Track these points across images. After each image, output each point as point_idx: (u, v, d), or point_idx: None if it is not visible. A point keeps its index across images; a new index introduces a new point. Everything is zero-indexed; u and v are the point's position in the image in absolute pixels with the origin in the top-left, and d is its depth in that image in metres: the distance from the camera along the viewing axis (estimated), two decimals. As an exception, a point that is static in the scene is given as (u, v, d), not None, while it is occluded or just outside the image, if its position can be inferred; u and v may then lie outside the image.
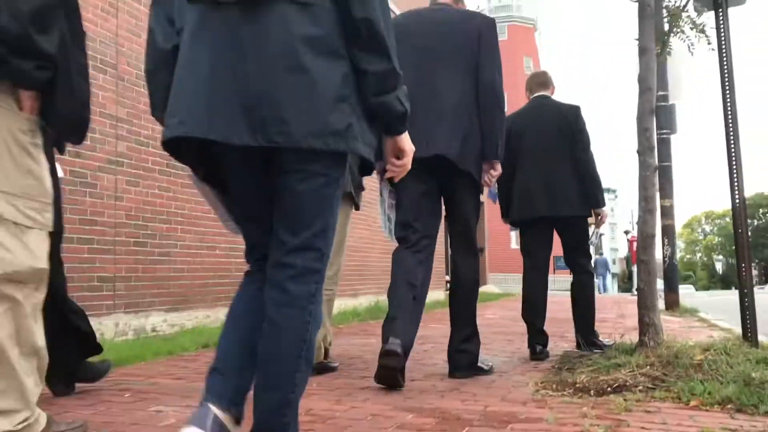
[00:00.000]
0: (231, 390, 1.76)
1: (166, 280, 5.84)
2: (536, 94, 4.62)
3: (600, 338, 4.56)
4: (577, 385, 3.19)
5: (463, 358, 3.62)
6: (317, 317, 1.77)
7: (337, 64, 1.67)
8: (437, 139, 3.23)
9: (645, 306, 3.84)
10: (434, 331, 6.16)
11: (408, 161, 1.92)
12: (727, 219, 64.75)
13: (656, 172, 3.94)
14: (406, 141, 1.89)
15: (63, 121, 1.91)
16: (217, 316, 6.49)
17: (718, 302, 15.86)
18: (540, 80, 4.65)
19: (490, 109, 3.43)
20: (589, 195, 4.40)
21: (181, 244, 6.10)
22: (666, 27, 4.44)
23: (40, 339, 1.94)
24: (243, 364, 1.79)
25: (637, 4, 3.99)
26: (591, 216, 4.52)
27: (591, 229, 4.66)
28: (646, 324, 3.80)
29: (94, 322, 4.98)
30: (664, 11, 4.58)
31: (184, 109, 1.66)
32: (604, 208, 4.54)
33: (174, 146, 1.73)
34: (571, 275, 4.58)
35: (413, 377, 3.60)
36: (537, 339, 4.41)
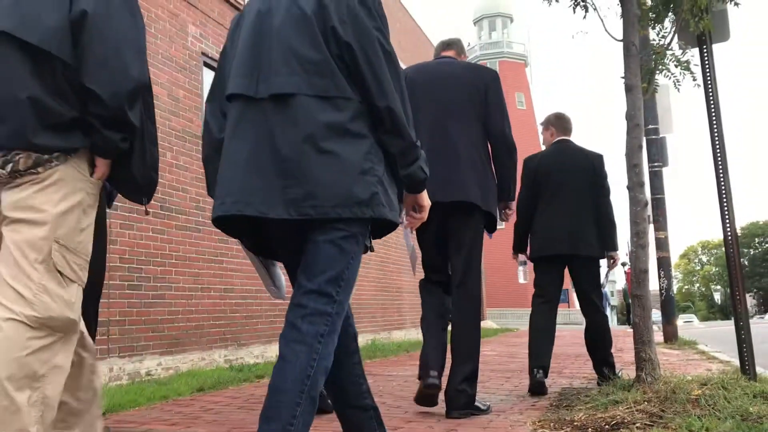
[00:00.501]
0: None
1: (160, 323, 5.81)
2: (561, 138, 4.82)
3: (616, 368, 4.65)
4: (575, 423, 3.17)
5: (461, 397, 3.59)
6: (325, 358, 1.88)
7: (359, 143, 1.93)
8: (457, 185, 3.44)
9: (641, 341, 3.83)
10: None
11: (425, 214, 2.19)
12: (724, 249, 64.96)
13: (647, 207, 3.97)
14: (424, 197, 2.17)
15: (136, 184, 2.17)
16: (213, 358, 6.44)
17: (717, 333, 15.78)
18: (565, 126, 4.86)
19: (503, 157, 3.71)
20: (606, 238, 4.61)
21: (175, 287, 6.08)
22: (652, 64, 4.50)
23: (55, 392, 1.93)
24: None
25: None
26: (604, 258, 4.71)
27: (603, 272, 4.92)
28: (643, 359, 3.79)
29: (87, 368, 4.95)
30: (650, 49, 4.66)
31: (225, 191, 1.95)
32: (617, 251, 4.74)
33: (222, 223, 2.03)
34: (585, 317, 4.71)
35: (409, 418, 3.57)
36: (537, 364, 4.42)
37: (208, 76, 6.96)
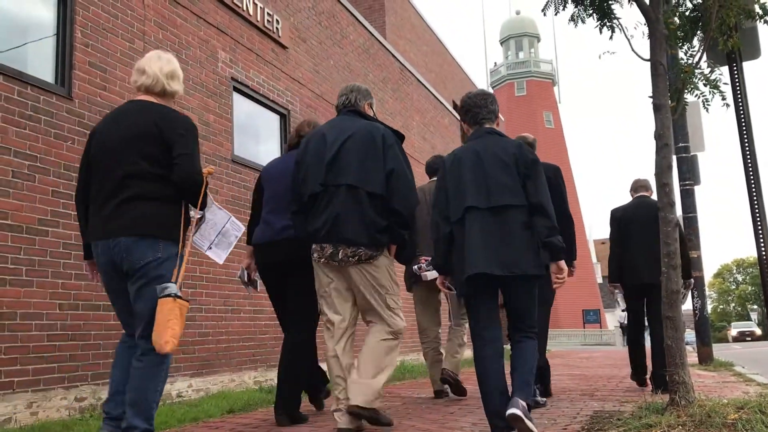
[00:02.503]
0: None
1: (191, 344, 5.86)
2: (639, 194, 6.13)
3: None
4: (607, 448, 3.12)
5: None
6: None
7: (530, 232, 3.30)
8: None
9: (674, 363, 3.77)
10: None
11: (565, 277, 3.39)
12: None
13: (677, 228, 3.92)
14: (563, 264, 3.36)
15: (406, 254, 3.92)
16: (242, 380, 6.47)
17: (755, 354, 15.42)
18: (643, 184, 6.16)
19: (566, 232, 4.22)
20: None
21: (206, 308, 6.14)
22: (680, 83, 4.47)
23: None
24: None
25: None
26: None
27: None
28: (676, 382, 3.72)
29: (120, 389, 5.00)
30: (678, 68, 4.63)
31: (472, 261, 3.25)
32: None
33: (473, 279, 3.27)
34: (652, 335, 5.73)
35: (439, 441, 3.54)
36: (640, 375, 6.03)
37: (237, 101, 7.07)
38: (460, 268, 3.32)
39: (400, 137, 3.81)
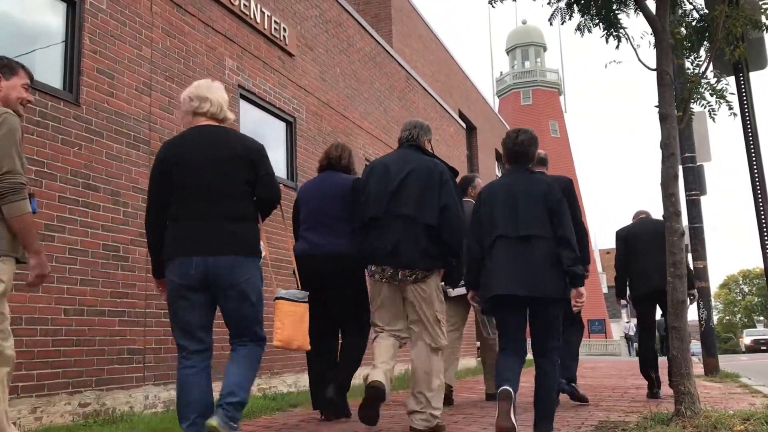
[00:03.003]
0: None
1: (195, 351, 5.85)
2: (642, 216, 6.71)
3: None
4: (612, 458, 3.10)
5: None
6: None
7: (554, 260, 3.66)
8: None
9: (679, 374, 3.75)
10: (465, 400, 6.05)
11: (584, 301, 3.73)
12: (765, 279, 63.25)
13: (683, 237, 3.91)
14: (583, 290, 3.70)
15: (454, 277, 5.11)
16: (246, 386, 6.46)
17: (761, 366, 15.33)
18: (643, 211, 6.83)
19: (581, 241, 4.44)
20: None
21: (210, 315, 6.13)
22: (686, 93, 4.46)
23: None
24: None
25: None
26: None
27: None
28: (682, 393, 3.70)
29: (123, 395, 5.01)
30: (685, 77, 4.62)
31: (498, 283, 3.69)
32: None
33: (499, 298, 3.70)
34: (664, 336, 6.28)
35: (443, 450, 3.53)
36: (653, 388, 6.15)
37: (244, 108, 7.09)
38: (487, 288, 3.76)
39: (455, 173, 4.30)
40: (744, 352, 36.18)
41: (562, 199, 3.80)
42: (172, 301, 3.35)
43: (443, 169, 4.19)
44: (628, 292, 6.50)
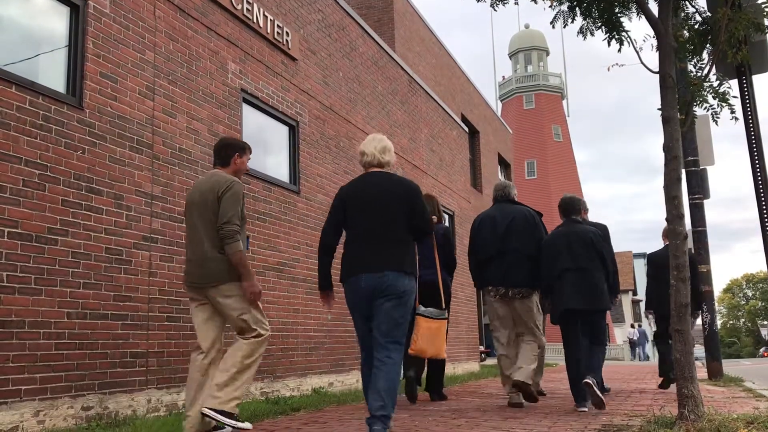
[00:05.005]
0: None
1: (198, 354, 5.85)
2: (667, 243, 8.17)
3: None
4: (615, 462, 3.10)
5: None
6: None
7: (603, 284, 5.45)
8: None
9: (683, 377, 3.74)
10: (468, 405, 6.04)
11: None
12: (770, 283, 63.05)
13: (686, 240, 3.90)
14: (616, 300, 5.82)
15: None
16: (249, 390, 6.46)
17: (765, 370, 15.27)
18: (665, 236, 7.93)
19: (614, 276, 5.91)
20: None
21: (213, 319, 6.13)
22: (689, 96, 4.46)
23: None
24: None
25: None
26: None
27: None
28: (685, 396, 3.69)
29: (126, 398, 5.01)
30: (687, 80, 4.62)
31: (567, 301, 5.43)
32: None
33: (567, 312, 5.43)
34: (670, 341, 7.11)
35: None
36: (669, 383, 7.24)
37: (246, 112, 7.10)
38: (558, 305, 5.48)
39: (540, 215, 6.07)
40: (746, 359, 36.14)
41: (606, 242, 5.66)
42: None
43: (534, 213, 6.00)
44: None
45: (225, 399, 3.90)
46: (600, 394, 5.11)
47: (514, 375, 5.56)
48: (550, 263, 5.54)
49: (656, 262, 7.38)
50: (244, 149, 4.52)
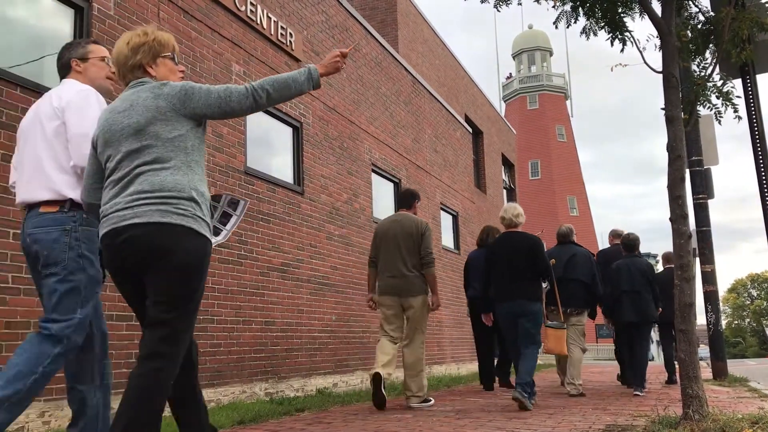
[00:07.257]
0: None
1: (202, 355, 5.87)
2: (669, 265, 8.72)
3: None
4: (620, 462, 3.10)
5: None
6: None
7: (652, 302, 7.30)
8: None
9: (687, 377, 3.74)
10: (472, 405, 6.04)
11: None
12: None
13: (690, 240, 3.90)
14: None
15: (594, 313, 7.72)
16: (253, 391, 6.47)
17: (769, 370, 15.21)
18: (667, 257, 9.28)
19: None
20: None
21: (217, 319, 6.16)
22: (693, 95, 4.45)
23: None
24: None
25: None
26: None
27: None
28: (690, 396, 3.69)
29: (131, 399, 5.01)
30: (691, 80, 4.62)
31: (626, 315, 7.26)
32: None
33: (626, 323, 7.33)
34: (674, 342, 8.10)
35: (450, 454, 3.52)
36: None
37: (251, 114, 7.11)
38: (618, 318, 7.24)
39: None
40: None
41: (653, 273, 7.33)
42: None
43: (587, 251, 7.50)
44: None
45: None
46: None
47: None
48: (611, 287, 7.28)
49: (665, 282, 7.82)
50: (419, 198, 6.60)
